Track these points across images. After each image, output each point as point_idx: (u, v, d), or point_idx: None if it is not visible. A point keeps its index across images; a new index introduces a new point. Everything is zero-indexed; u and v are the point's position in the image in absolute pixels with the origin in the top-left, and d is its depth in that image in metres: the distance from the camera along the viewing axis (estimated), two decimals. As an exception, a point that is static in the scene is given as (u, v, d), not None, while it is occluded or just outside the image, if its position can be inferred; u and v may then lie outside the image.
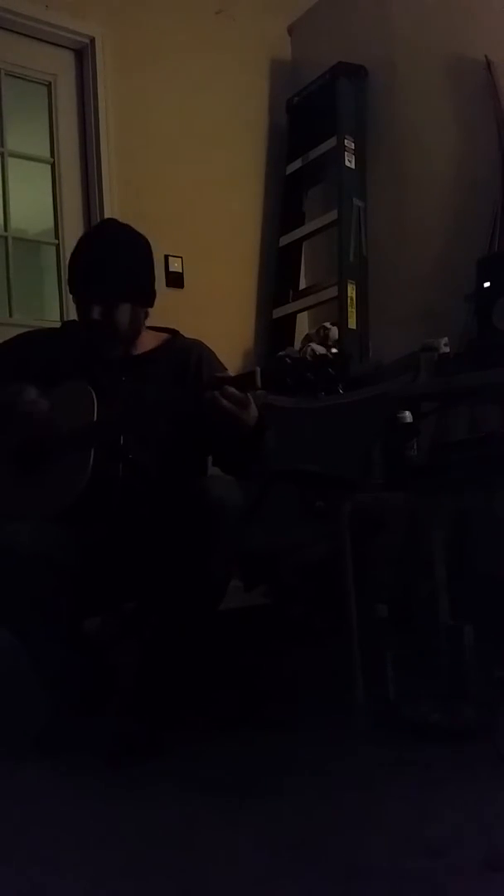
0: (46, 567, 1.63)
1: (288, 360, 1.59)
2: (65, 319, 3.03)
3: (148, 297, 1.90)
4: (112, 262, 1.83)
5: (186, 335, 2.02)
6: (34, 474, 1.78)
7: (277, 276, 3.67)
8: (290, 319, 3.64)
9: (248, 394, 1.63)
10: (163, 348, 1.94)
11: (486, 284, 2.47)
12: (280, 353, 3.31)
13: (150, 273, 1.93)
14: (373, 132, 3.42)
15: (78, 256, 1.88)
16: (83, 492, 1.69)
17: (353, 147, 3.36)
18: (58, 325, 2.24)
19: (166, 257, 3.30)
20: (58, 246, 3.21)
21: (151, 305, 1.92)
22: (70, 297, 1.92)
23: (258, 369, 1.60)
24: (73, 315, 1.97)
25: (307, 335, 3.47)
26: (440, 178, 3.13)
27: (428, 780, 1.54)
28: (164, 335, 1.98)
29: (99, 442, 1.73)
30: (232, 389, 1.60)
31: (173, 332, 2.01)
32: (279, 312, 3.61)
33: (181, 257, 3.36)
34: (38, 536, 1.64)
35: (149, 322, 1.97)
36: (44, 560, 1.62)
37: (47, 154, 3.23)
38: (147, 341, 1.94)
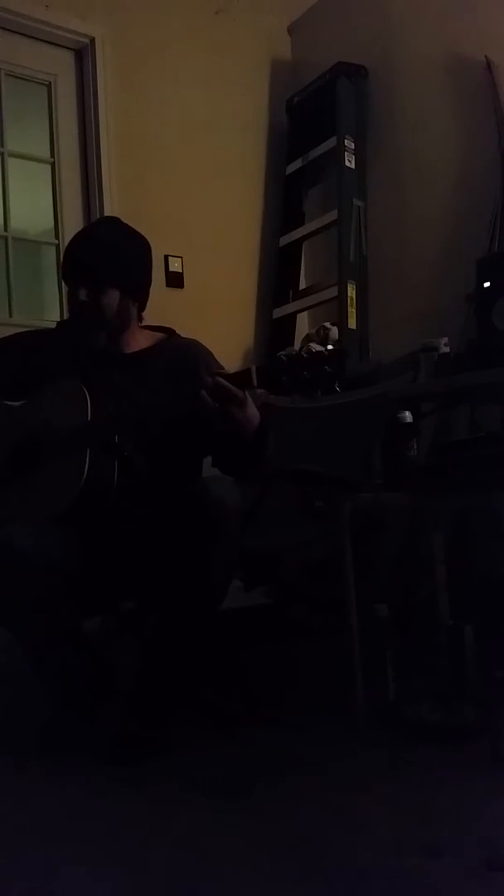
0: (46, 567, 1.62)
1: (284, 359, 1.59)
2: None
3: (139, 291, 1.89)
4: (104, 248, 1.84)
5: (186, 335, 2.01)
6: (31, 475, 1.78)
7: (277, 276, 3.67)
8: (290, 319, 3.64)
9: (247, 393, 1.63)
10: (158, 347, 1.93)
11: (486, 284, 2.46)
12: (279, 354, 3.31)
13: (143, 269, 1.92)
14: (373, 132, 3.42)
15: (73, 243, 1.89)
16: (80, 492, 1.69)
17: (353, 147, 3.36)
18: (59, 322, 2.24)
19: (166, 257, 3.31)
20: (58, 246, 3.21)
21: (143, 301, 1.91)
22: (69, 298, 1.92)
23: (254, 367, 1.60)
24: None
25: (307, 335, 3.47)
26: (440, 178, 3.13)
27: (427, 780, 1.54)
28: (160, 335, 1.97)
29: (94, 441, 1.72)
30: (227, 384, 1.60)
31: (169, 332, 2.00)
32: (279, 312, 3.61)
33: (181, 257, 3.36)
34: (38, 537, 1.64)
35: (150, 322, 1.97)
36: (43, 560, 1.62)
37: (47, 154, 3.23)
38: (142, 340, 1.93)
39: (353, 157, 3.36)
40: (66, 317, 3.04)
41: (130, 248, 1.89)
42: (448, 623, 2.00)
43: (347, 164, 3.34)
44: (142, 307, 1.92)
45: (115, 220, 1.97)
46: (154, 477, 1.81)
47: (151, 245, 1.94)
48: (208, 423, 1.65)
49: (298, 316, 3.66)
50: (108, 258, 1.83)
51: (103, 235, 1.90)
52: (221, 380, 1.60)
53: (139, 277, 1.90)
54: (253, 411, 1.67)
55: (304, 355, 1.58)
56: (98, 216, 3.15)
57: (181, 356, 1.89)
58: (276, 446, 1.78)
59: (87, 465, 1.69)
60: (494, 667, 1.91)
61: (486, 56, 2.91)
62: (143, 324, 1.95)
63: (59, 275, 3.21)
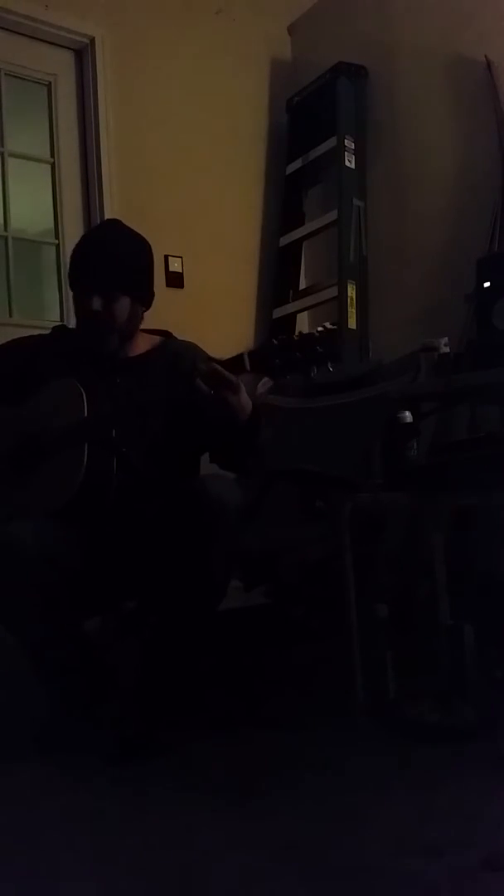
0: (48, 566, 1.63)
1: (275, 342, 1.59)
2: (64, 320, 3.03)
3: (146, 297, 1.91)
4: (115, 256, 1.85)
5: (187, 335, 2.02)
6: (30, 473, 1.79)
7: (277, 276, 3.67)
8: (290, 319, 3.64)
9: (240, 380, 1.64)
10: (156, 350, 1.94)
11: (486, 284, 2.46)
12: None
13: (149, 274, 1.94)
14: (373, 132, 3.42)
15: (81, 250, 1.89)
16: (80, 486, 1.69)
17: (353, 147, 3.36)
18: (55, 327, 2.24)
19: (166, 257, 3.30)
20: (58, 246, 3.21)
21: (148, 307, 1.93)
22: (70, 297, 1.93)
23: (246, 352, 1.61)
24: (73, 316, 1.98)
25: (307, 335, 3.47)
26: (440, 178, 3.13)
27: (428, 780, 1.54)
28: (157, 338, 1.98)
29: (91, 437, 1.73)
30: (221, 369, 1.61)
31: (166, 335, 2.01)
32: (279, 312, 3.61)
33: (181, 257, 3.36)
34: (40, 535, 1.65)
35: (150, 322, 1.98)
36: (45, 559, 1.63)
37: (47, 154, 3.23)
38: (140, 344, 1.94)
39: (353, 157, 3.36)
40: (65, 318, 3.04)
41: (137, 254, 1.91)
42: (448, 623, 2.00)
43: (347, 164, 3.35)
44: (146, 311, 1.93)
45: (118, 224, 1.97)
46: (152, 474, 1.81)
47: (152, 245, 1.94)
48: (203, 412, 1.66)
49: (298, 316, 3.66)
50: (118, 265, 1.84)
51: (111, 241, 1.89)
52: (215, 365, 1.61)
53: (147, 283, 1.92)
54: (246, 398, 1.69)
55: (296, 338, 1.58)
56: (98, 216, 3.15)
57: (178, 358, 1.90)
58: (276, 446, 1.78)
59: (85, 459, 1.70)
60: (494, 667, 1.91)
61: (486, 56, 2.91)
62: (142, 326, 1.96)
63: (59, 275, 3.21)
